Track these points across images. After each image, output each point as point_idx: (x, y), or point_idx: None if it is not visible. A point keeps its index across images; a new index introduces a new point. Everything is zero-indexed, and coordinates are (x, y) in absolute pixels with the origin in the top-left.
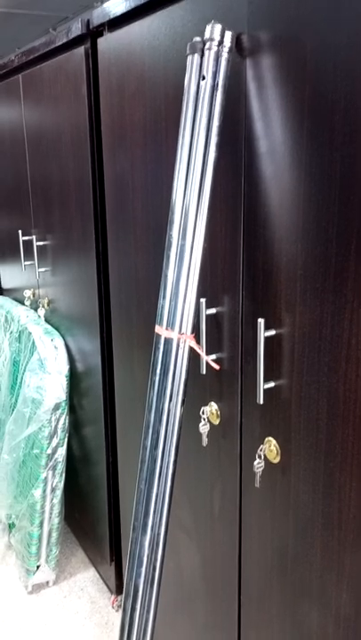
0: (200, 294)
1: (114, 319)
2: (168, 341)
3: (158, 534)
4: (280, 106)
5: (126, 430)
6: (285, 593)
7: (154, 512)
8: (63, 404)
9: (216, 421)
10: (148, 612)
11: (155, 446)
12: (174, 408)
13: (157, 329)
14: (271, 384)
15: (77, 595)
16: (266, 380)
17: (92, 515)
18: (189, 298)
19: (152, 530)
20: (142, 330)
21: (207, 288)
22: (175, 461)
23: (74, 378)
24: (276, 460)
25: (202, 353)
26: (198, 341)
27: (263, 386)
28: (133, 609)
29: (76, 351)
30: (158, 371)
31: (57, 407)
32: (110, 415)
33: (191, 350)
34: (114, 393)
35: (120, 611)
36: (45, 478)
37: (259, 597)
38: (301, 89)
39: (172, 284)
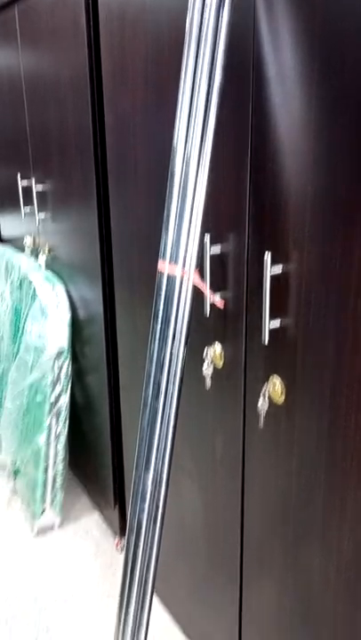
0: (204, 230)
1: (116, 266)
2: (171, 280)
3: (161, 472)
4: (291, 29)
5: (129, 377)
6: (287, 536)
7: (157, 450)
8: (66, 352)
9: (220, 363)
10: (152, 548)
11: (157, 386)
12: (177, 349)
13: (160, 265)
14: (277, 323)
15: (82, 537)
16: (271, 319)
17: (96, 461)
18: (193, 232)
19: (155, 468)
20: (144, 278)
21: (211, 224)
22: (178, 400)
23: (76, 325)
24: (281, 401)
25: (206, 290)
26: (202, 280)
27: (268, 325)
28: (137, 545)
29: (77, 299)
30: (161, 312)
31: (59, 354)
32: (113, 363)
33: (195, 290)
34: (116, 340)
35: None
36: (49, 425)
37: (261, 541)
38: (312, 11)
39: (176, 217)
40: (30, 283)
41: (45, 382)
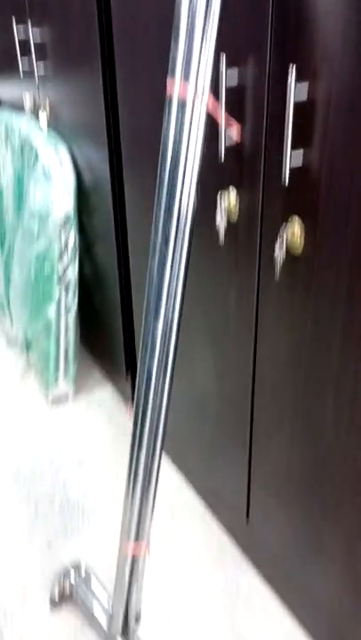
0: (219, 48)
1: (122, 125)
2: (181, 104)
3: (172, 321)
4: None
5: (138, 248)
6: (299, 389)
7: (167, 297)
8: (71, 219)
9: (234, 214)
10: (162, 398)
11: (166, 232)
12: (188, 191)
13: (169, 85)
14: (299, 161)
15: (95, 408)
16: (293, 155)
17: (107, 334)
18: (207, 45)
19: (165, 316)
20: (153, 139)
21: (228, 42)
22: (189, 247)
23: (81, 191)
24: (299, 251)
25: (221, 118)
26: (217, 102)
27: (290, 162)
28: (147, 396)
29: (82, 162)
30: (170, 148)
31: (65, 222)
32: (121, 233)
33: (208, 120)
34: (124, 208)
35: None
36: (59, 298)
37: (272, 395)
38: None
39: (187, 26)
40: (32, 146)
41: (52, 253)
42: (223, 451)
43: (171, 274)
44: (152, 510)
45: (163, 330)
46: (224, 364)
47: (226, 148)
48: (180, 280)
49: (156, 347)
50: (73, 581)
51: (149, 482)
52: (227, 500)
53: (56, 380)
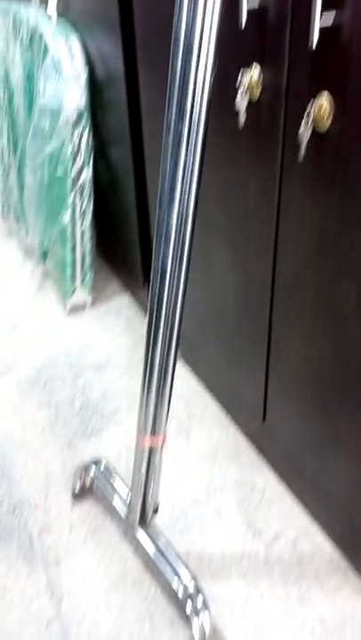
0: None
1: (137, 12)
2: None
3: (187, 208)
4: None
5: (154, 149)
6: (320, 285)
7: (182, 181)
8: (84, 117)
9: (256, 93)
10: (177, 292)
11: (181, 107)
12: (205, 61)
13: None
14: (329, 19)
15: (113, 316)
16: (323, 12)
17: (124, 242)
18: None
19: (180, 203)
20: (170, 26)
21: None
22: (206, 124)
23: (94, 87)
24: (326, 127)
25: None
26: None
27: (319, 21)
28: (161, 289)
29: (94, 54)
30: (184, 22)
31: (78, 120)
32: (137, 132)
33: None
34: (139, 106)
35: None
36: (73, 202)
37: (292, 292)
38: None
39: None
40: (41, 37)
41: (65, 153)
42: (241, 352)
43: (186, 156)
44: (168, 405)
45: (178, 218)
46: (243, 257)
47: (248, 13)
48: (196, 163)
49: (170, 237)
50: (93, 475)
51: (165, 375)
52: (244, 401)
53: (73, 288)
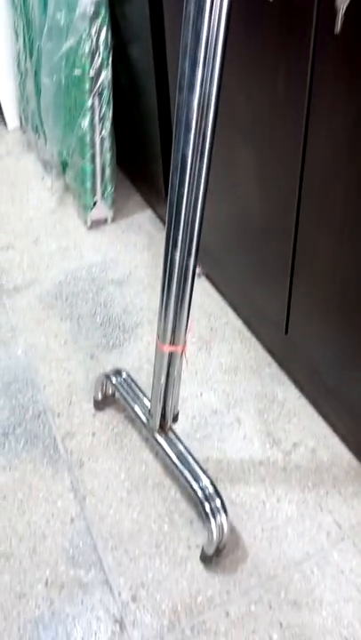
0: None
1: None
2: None
3: (209, 93)
4: None
5: (177, 47)
6: (352, 176)
7: (204, 64)
8: (102, 10)
9: None
10: (198, 188)
11: None
12: None
13: None
14: None
15: (135, 231)
16: None
17: (145, 153)
18: None
19: (202, 87)
20: None
21: None
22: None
23: None
24: None
25: None
26: None
27: None
28: (181, 183)
29: None
30: None
31: (95, 13)
32: (158, 29)
33: None
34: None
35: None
36: (92, 106)
37: (322, 184)
38: None
39: None
40: None
41: (83, 51)
42: (264, 263)
43: (209, 32)
44: (188, 311)
45: (199, 105)
46: (268, 157)
47: None
48: (219, 40)
49: (191, 126)
50: (115, 384)
51: (185, 278)
52: (266, 314)
53: (94, 201)
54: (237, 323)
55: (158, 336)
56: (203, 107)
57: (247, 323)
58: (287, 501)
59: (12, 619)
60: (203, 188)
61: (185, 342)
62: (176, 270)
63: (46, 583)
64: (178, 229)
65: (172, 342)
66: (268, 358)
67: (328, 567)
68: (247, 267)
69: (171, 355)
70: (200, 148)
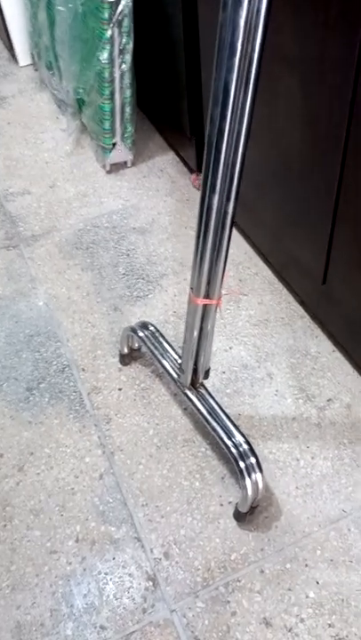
0: None
1: None
2: None
3: (258, 10)
4: None
5: None
6: None
7: None
8: None
9: None
10: (241, 122)
11: None
12: None
13: None
14: None
15: (157, 175)
16: None
17: (168, 89)
18: None
19: (250, 3)
20: None
21: None
22: None
23: None
24: None
25: None
26: None
27: None
28: (223, 116)
29: None
30: None
31: None
32: None
33: None
34: None
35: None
36: (111, 37)
37: None
38: None
39: None
40: None
41: None
42: (303, 210)
43: None
44: (224, 263)
45: (246, 24)
46: (317, 94)
47: None
48: None
49: (236, 49)
50: (142, 337)
51: (223, 226)
52: (301, 264)
53: (113, 142)
54: (267, 273)
55: (192, 288)
56: (250, 26)
57: (278, 273)
58: (322, 458)
59: (43, 575)
60: (246, 121)
61: (220, 295)
62: (213, 217)
63: (77, 539)
64: (217, 171)
65: (207, 295)
66: (300, 310)
67: None
68: (282, 212)
69: (205, 308)
70: (245, 74)
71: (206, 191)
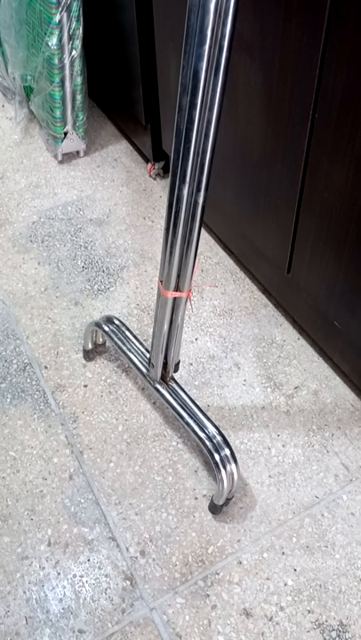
0: None
1: None
2: None
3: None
4: None
5: None
6: None
7: None
8: None
9: None
10: (212, 110)
11: None
12: None
13: None
14: None
15: (111, 165)
16: None
17: (121, 76)
18: None
19: None
20: None
21: None
22: None
23: None
24: None
25: None
26: None
27: None
28: (192, 105)
29: None
30: None
31: None
32: None
33: None
34: None
35: (157, 179)
36: (60, 22)
37: (340, 112)
38: None
39: None
40: None
41: None
42: (266, 200)
43: None
44: (195, 256)
45: (216, 9)
46: (279, 81)
47: None
48: None
49: (205, 37)
50: (108, 331)
51: (192, 221)
52: (265, 253)
53: (64, 132)
54: (229, 262)
55: (161, 281)
56: (220, 11)
57: (240, 263)
58: (293, 446)
59: (16, 582)
60: (217, 109)
61: (190, 288)
62: (183, 207)
63: (49, 543)
64: (187, 160)
65: (177, 288)
66: (263, 299)
67: (338, 510)
68: (244, 201)
69: (175, 301)
70: (215, 62)
71: (176, 181)
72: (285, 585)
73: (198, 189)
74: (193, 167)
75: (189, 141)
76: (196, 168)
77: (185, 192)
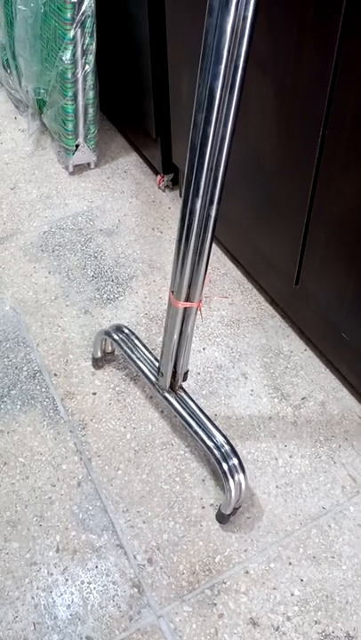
0: None
1: None
2: None
3: (245, 16)
4: None
5: None
6: None
7: None
8: None
9: None
10: (226, 126)
11: None
12: None
13: None
14: None
15: (121, 176)
16: None
17: (133, 90)
18: None
19: (237, 8)
20: None
21: None
22: None
23: None
24: None
25: None
26: None
27: None
28: (207, 121)
29: None
30: None
31: None
32: None
33: None
34: None
35: (166, 190)
36: (74, 38)
37: (352, 128)
38: None
39: None
40: None
41: None
42: (276, 212)
43: None
44: (206, 267)
45: (233, 29)
46: (291, 95)
47: None
48: None
49: (222, 56)
50: (117, 339)
51: (204, 232)
52: (274, 265)
53: (76, 144)
54: (237, 273)
55: (172, 292)
56: (237, 32)
57: (248, 273)
58: (300, 456)
59: (24, 587)
60: (231, 126)
61: (201, 298)
62: (196, 220)
63: (57, 549)
64: (201, 174)
65: (188, 299)
66: (270, 310)
67: (345, 521)
68: (253, 212)
69: (185, 311)
70: (230, 80)
71: (189, 195)
72: (292, 595)
73: (211, 202)
74: (206, 181)
75: (203, 156)
76: (209, 182)
77: (198, 205)
